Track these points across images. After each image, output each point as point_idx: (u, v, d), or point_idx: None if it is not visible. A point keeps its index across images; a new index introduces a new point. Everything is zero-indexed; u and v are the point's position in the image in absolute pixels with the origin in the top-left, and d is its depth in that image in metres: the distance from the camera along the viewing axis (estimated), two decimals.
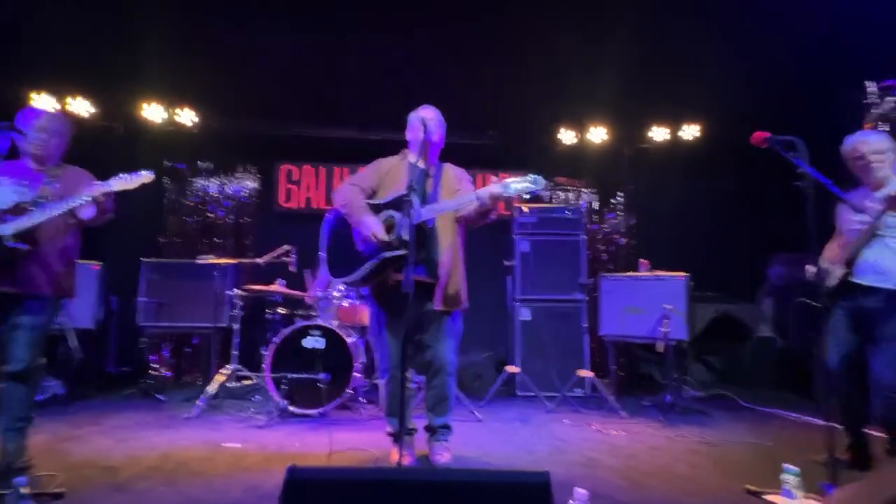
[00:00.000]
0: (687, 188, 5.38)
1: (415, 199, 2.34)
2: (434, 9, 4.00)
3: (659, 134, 5.33)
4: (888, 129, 3.40)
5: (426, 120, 2.46)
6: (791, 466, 2.07)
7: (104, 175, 2.38)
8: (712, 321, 4.89)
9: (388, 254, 2.35)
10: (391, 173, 2.60)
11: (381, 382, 2.61)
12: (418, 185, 2.49)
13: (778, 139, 2.16)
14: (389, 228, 2.41)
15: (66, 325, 3.75)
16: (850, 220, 2.51)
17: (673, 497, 2.21)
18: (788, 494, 2.06)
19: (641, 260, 4.39)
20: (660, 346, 3.77)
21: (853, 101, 3.61)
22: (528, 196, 2.31)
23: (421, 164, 2.54)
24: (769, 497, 2.14)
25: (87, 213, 2.30)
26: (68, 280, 2.41)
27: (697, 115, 5.20)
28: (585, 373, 4.04)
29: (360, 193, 2.54)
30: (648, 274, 4.19)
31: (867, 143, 2.50)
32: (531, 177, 2.20)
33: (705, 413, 3.74)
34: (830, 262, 2.57)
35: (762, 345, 4.94)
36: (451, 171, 2.65)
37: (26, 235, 2.22)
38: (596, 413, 3.70)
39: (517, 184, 2.21)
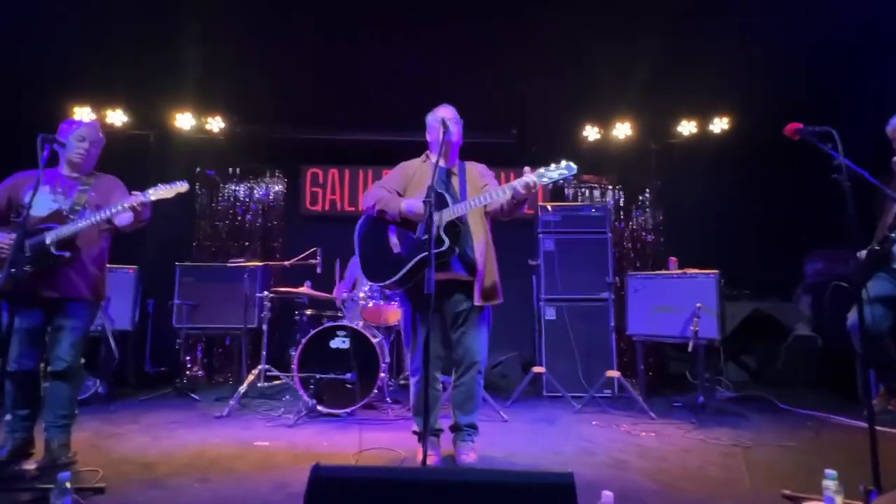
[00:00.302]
0: (717, 183, 5.23)
1: (448, 198, 2.39)
2: (455, 8, 4.01)
3: (686, 128, 5.19)
4: None
5: (446, 120, 2.47)
6: (831, 471, 1.99)
7: (139, 182, 2.47)
8: (746, 320, 4.74)
9: (426, 253, 2.35)
10: (417, 175, 2.62)
11: (411, 381, 2.62)
12: (445, 184, 2.53)
13: (811, 130, 2.08)
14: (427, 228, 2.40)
15: (106, 327, 3.91)
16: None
17: (705, 501, 2.15)
18: (829, 500, 1.97)
19: (670, 258, 4.29)
20: (690, 346, 3.67)
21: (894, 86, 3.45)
22: (562, 182, 2.30)
23: (444, 164, 2.58)
24: (808, 503, 2.06)
25: (124, 221, 2.40)
26: (103, 283, 2.52)
27: (726, 108, 5.05)
28: (613, 373, 3.97)
29: (389, 194, 2.56)
30: (678, 272, 4.09)
31: None
32: (564, 163, 2.21)
33: (740, 414, 3.62)
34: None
35: (800, 344, 4.76)
36: (475, 168, 2.68)
37: (67, 243, 2.33)
38: (624, 414, 3.64)
39: (551, 171, 2.22)
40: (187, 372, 4.92)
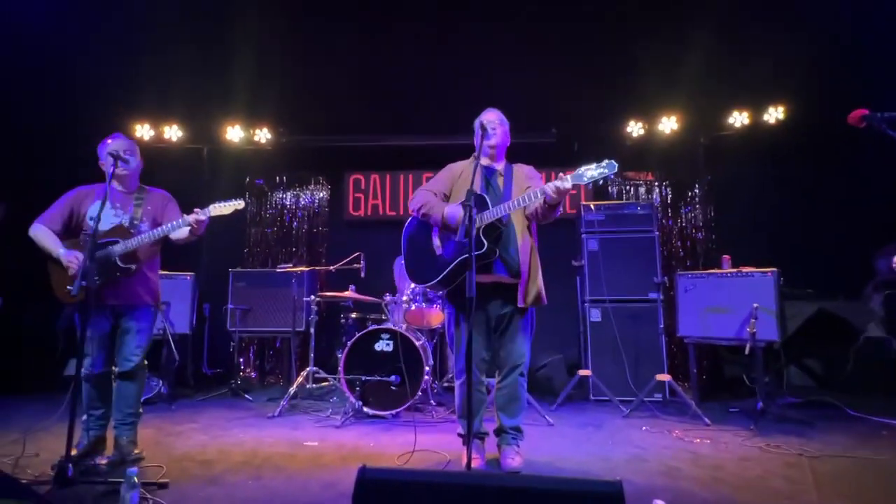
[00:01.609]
0: (772, 176, 4.94)
1: (488, 200, 2.40)
2: (493, 8, 4.00)
3: (738, 119, 4.93)
4: None
5: (485, 122, 2.51)
6: None
7: (195, 193, 2.61)
8: (810, 320, 4.45)
9: (467, 255, 2.36)
10: (463, 175, 2.64)
11: (456, 384, 2.64)
12: (490, 185, 2.55)
13: (879, 116, 1.92)
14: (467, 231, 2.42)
15: (167, 331, 4.15)
16: None
17: None
18: None
19: (723, 256, 4.09)
20: (747, 349, 3.48)
21: None
22: (602, 181, 2.28)
23: (491, 165, 2.62)
24: None
25: (181, 235, 2.54)
26: (159, 289, 2.69)
27: (782, 96, 4.76)
28: (664, 377, 3.82)
29: (435, 197, 2.60)
30: (732, 270, 3.89)
31: None
32: (605, 162, 2.19)
33: (804, 422, 3.40)
34: None
35: (872, 346, 4.41)
36: (522, 171, 2.68)
37: (131, 255, 2.50)
38: (676, 419, 3.50)
39: (592, 170, 2.20)
40: (241, 373, 5.14)
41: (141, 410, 2.63)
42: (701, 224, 5.21)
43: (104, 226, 2.47)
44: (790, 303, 4.24)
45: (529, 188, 2.55)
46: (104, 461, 2.49)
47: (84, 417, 2.53)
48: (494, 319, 2.52)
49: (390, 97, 5.02)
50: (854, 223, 4.61)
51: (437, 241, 2.53)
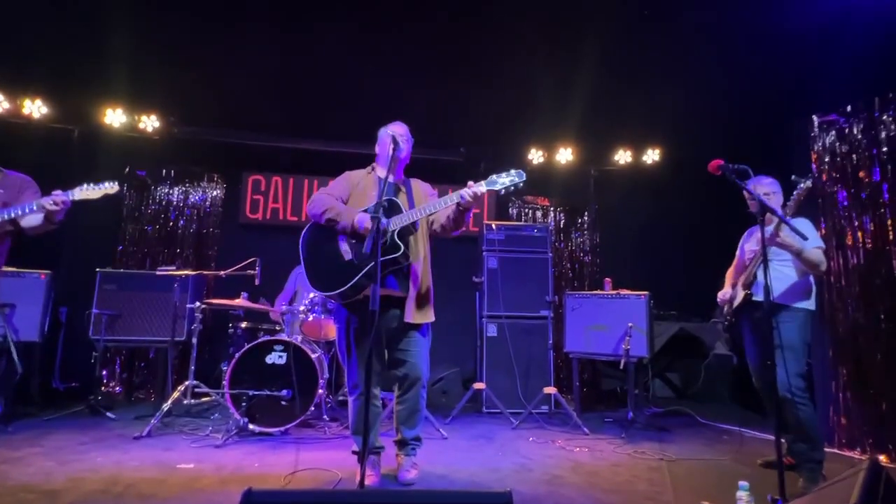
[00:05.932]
0: (649, 209, 5.57)
1: (400, 205, 2.42)
2: (408, 26, 4.05)
3: (623, 157, 5.52)
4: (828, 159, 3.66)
5: (397, 136, 2.51)
6: (744, 482, 2.15)
7: (58, 182, 2.27)
8: (672, 339, 5.04)
9: (381, 259, 2.27)
10: (361, 185, 2.62)
11: (349, 399, 2.57)
12: (391, 198, 2.53)
13: (731, 167, 2.28)
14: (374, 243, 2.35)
15: (9, 338, 3.53)
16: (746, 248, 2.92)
17: None
18: None
19: (605, 279, 4.51)
20: (622, 363, 3.85)
21: (803, 131, 3.85)
22: (512, 190, 2.40)
23: (391, 179, 2.58)
24: None
25: (32, 223, 2.19)
26: None
27: (658, 140, 5.42)
28: (550, 390, 4.08)
29: (338, 202, 2.53)
30: (612, 292, 4.30)
31: (760, 185, 2.71)
32: (514, 171, 2.32)
33: (665, 429, 3.83)
34: (731, 285, 2.96)
35: (718, 362, 5.12)
36: (420, 186, 2.71)
37: None
38: (560, 430, 3.74)
39: (502, 178, 2.32)
40: (103, 388, 4.53)
41: None
42: (588, 249, 5.69)
43: None
44: (658, 323, 4.79)
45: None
46: None
47: None
48: (386, 332, 2.47)
49: (299, 99, 4.83)
50: (712, 254, 5.33)
51: (344, 247, 2.44)
